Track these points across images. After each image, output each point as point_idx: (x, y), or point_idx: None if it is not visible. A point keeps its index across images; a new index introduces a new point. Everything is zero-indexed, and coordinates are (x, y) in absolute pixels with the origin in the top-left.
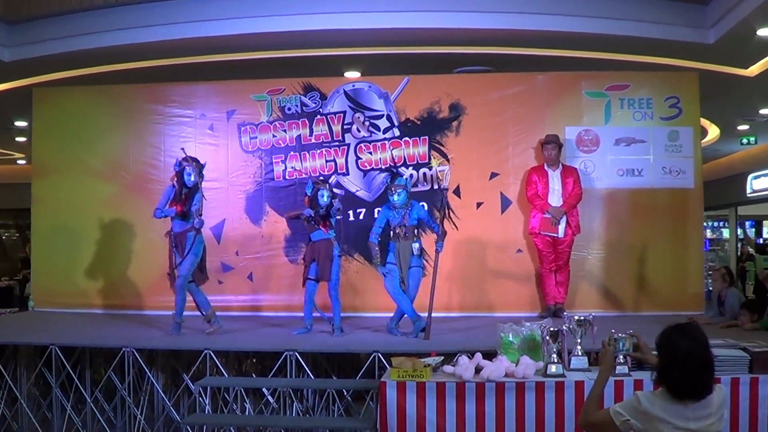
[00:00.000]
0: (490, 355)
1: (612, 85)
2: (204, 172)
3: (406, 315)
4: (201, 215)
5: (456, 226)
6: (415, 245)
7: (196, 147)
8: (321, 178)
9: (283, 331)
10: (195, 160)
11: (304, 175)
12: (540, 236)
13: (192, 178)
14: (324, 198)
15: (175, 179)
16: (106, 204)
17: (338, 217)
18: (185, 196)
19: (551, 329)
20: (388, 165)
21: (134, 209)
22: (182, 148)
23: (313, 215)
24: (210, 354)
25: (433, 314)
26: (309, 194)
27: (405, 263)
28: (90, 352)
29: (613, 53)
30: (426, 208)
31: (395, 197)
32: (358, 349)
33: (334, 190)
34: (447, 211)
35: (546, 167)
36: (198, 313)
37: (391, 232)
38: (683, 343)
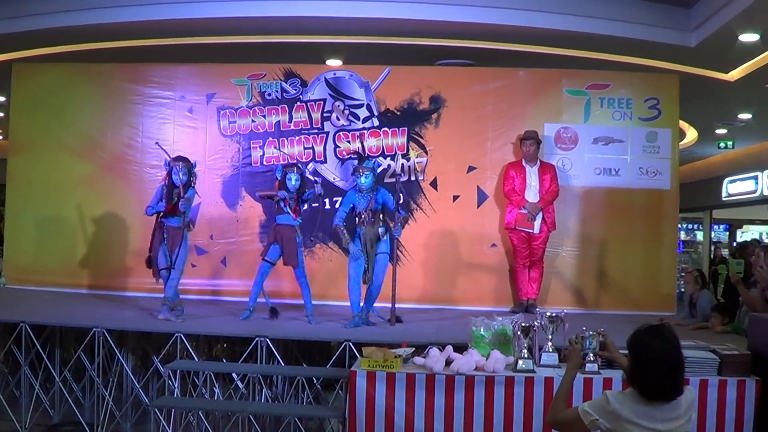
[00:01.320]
0: (461, 348)
1: (593, 83)
2: (195, 171)
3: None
4: (192, 222)
5: (428, 217)
6: (381, 230)
7: (175, 129)
8: (292, 162)
9: (254, 316)
10: (184, 159)
11: (282, 161)
12: (515, 231)
13: (180, 177)
14: (292, 181)
15: (166, 179)
16: (82, 183)
17: (314, 204)
18: (177, 195)
19: (523, 325)
20: (366, 154)
21: (110, 189)
22: (156, 142)
23: (286, 197)
24: (180, 337)
25: (405, 305)
26: (279, 178)
27: (371, 249)
28: (60, 331)
29: (595, 52)
30: (402, 199)
31: (362, 179)
32: (330, 337)
33: (311, 176)
34: (403, 197)
35: (524, 163)
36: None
37: (357, 218)
38: (656, 345)
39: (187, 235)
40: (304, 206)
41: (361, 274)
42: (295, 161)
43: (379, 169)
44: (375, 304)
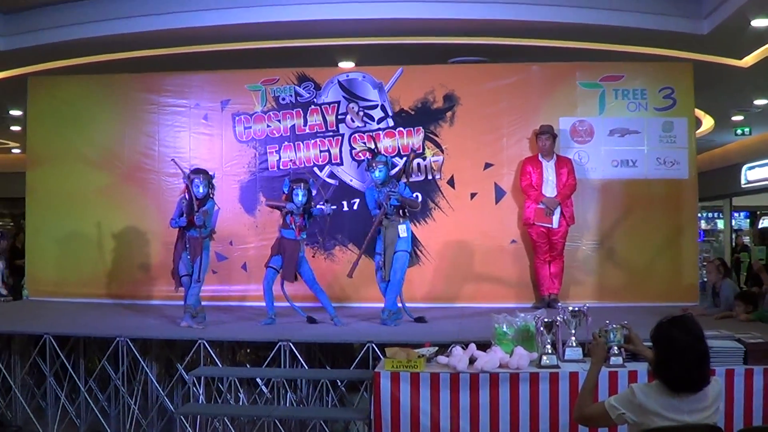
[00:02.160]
0: (484, 346)
1: (606, 75)
2: (214, 182)
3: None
4: (211, 229)
5: (447, 215)
6: (402, 227)
7: (191, 136)
8: (297, 176)
9: (277, 321)
10: (203, 172)
11: (298, 165)
12: (534, 227)
13: (200, 190)
14: (299, 197)
15: (186, 192)
16: (100, 193)
17: (333, 207)
18: (197, 206)
19: (545, 320)
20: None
21: (129, 199)
22: (173, 159)
23: (294, 211)
24: (204, 344)
25: (426, 305)
26: (285, 192)
27: (390, 245)
28: (84, 342)
29: (608, 44)
30: (420, 198)
31: (376, 173)
32: (352, 339)
33: (329, 179)
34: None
35: (540, 158)
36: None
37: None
38: (679, 337)
39: (209, 244)
40: (309, 221)
41: (378, 272)
42: (303, 174)
43: (395, 170)
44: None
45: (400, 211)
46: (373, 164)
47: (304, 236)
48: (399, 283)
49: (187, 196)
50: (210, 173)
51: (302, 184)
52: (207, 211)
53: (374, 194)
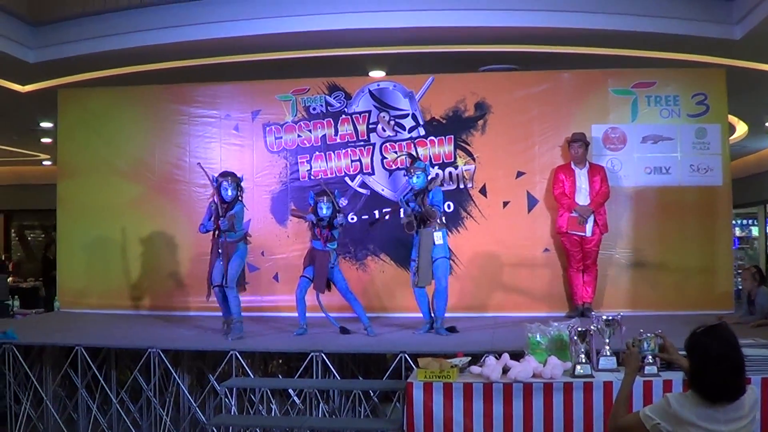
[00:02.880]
0: (517, 356)
1: (638, 82)
2: (243, 185)
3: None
4: (244, 233)
5: (479, 224)
6: (437, 234)
7: (221, 147)
8: (323, 187)
9: (309, 331)
10: (231, 174)
11: (329, 175)
12: (567, 235)
13: (229, 193)
14: (323, 210)
15: (215, 195)
16: (131, 204)
17: (364, 216)
18: (224, 211)
19: (579, 329)
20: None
21: (159, 209)
22: (198, 163)
23: (315, 222)
24: (236, 355)
25: (459, 314)
26: (311, 204)
27: (426, 252)
28: (115, 353)
29: (640, 50)
30: (452, 207)
31: (414, 179)
32: (385, 349)
33: (360, 189)
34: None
35: (573, 165)
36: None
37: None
38: (714, 346)
39: (243, 249)
40: (334, 231)
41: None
42: (321, 186)
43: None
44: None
45: (436, 219)
46: (412, 170)
47: (334, 246)
48: (445, 291)
49: (215, 200)
50: (238, 176)
51: (324, 198)
52: (234, 215)
53: (412, 205)
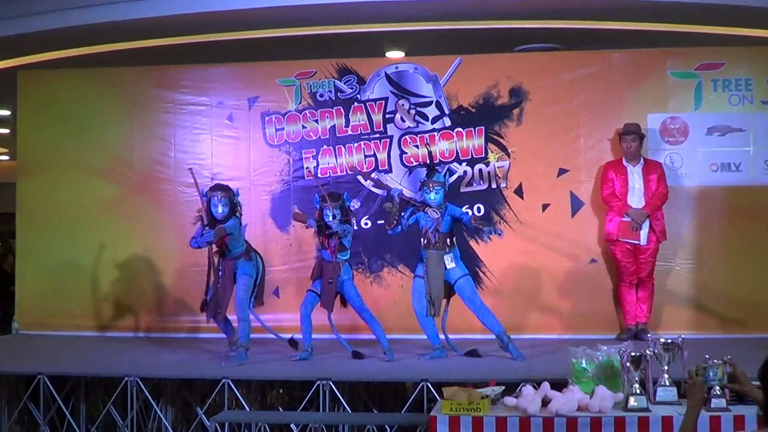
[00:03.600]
0: (559, 385)
1: (703, 63)
2: (239, 200)
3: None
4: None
5: (514, 230)
6: (448, 257)
7: (213, 140)
8: (321, 190)
9: (315, 355)
10: (223, 188)
11: (339, 173)
12: (618, 244)
13: (219, 210)
14: (329, 217)
15: (203, 212)
16: (105, 208)
17: (379, 222)
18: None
19: (632, 354)
20: (437, 160)
21: (140, 213)
22: (190, 168)
23: (315, 228)
24: (228, 383)
25: (489, 336)
26: (318, 208)
27: (435, 278)
28: (85, 382)
29: (705, 26)
30: (483, 211)
31: (432, 195)
32: (404, 377)
33: (376, 189)
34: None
35: (625, 162)
36: (219, 335)
37: (422, 238)
38: None
39: (246, 265)
40: (346, 240)
41: (426, 305)
42: (328, 188)
43: (453, 177)
44: (450, 336)
45: (448, 240)
46: (429, 185)
47: (345, 257)
48: (484, 306)
49: (204, 218)
50: (233, 190)
51: (330, 204)
52: (223, 228)
53: (418, 214)
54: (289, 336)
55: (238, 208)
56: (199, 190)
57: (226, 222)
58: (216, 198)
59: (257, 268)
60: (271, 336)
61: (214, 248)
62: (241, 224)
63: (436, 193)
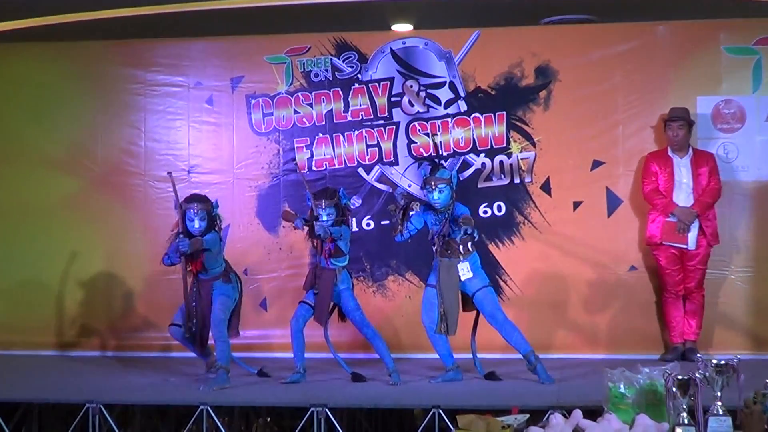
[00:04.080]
0: (593, 413)
1: (763, 37)
2: (219, 212)
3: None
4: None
5: (540, 232)
6: (462, 265)
7: (190, 128)
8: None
9: (307, 377)
10: (199, 199)
11: (337, 165)
12: (662, 248)
13: (195, 225)
14: (323, 218)
15: (178, 226)
16: (65, 205)
17: (384, 222)
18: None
19: (679, 378)
20: (451, 150)
21: (104, 212)
22: (168, 173)
23: (302, 229)
24: (207, 410)
25: (510, 355)
26: (310, 205)
27: (447, 290)
28: (39, 410)
29: None
30: (503, 209)
31: (435, 195)
32: (412, 402)
33: (352, 201)
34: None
35: (670, 153)
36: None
37: (432, 245)
38: None
39: (225, 287)
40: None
41: (437, 320)
42: (324, 183)
43: (470, 171)
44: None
45: (461, 246)
46: (432, 182)
47: (342, 263)
48: (508, 320)
49: (180, 231)
50: (212, 201)
51: (323, 203)
52: (201, 241)
53: (426, 217)
54: (255, 369)
55: (218, 221)
56: (177, 200)
57: (206, 236)
58: (192, 211)
59: (237, 291)
60: (259, 355)
61: (189, 266)
62: (221, 240)
63: (440, 192)
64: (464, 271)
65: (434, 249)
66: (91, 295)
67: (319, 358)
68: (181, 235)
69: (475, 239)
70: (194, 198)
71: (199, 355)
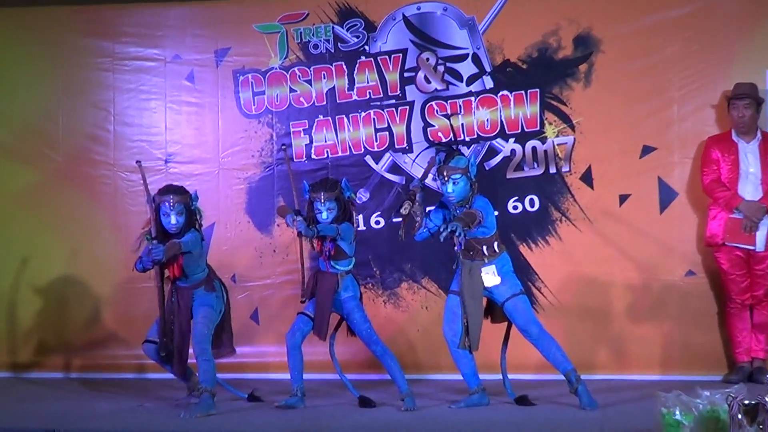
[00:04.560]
0: None
1: None
2: (199, 206)
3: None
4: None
5: (580, 231)
6: (487, 269)
7: (167, 109)
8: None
9: (306, 403)
10: (176, 191)
11: (341, 153)
12: (725, 249)
13: (172, 221)
14: (323, 214)
15: (151, 223)
16: (19, 201)
17: (396, 219)
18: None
19: (746, 402)
20: (475, 135)
21: (68, 209)
22: (138, 161)
23: (293, 226)
24: None
25: (544, 376)
26: (307, 198)
27: (471, 296)
28: None
29: None
30: (537, 204)
31: (449, 186)
32: None
33: (359, 195)
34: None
35: (735, 137)
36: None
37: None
38: None
39: (207, 296)
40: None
41: (460, 333)
42: (325, 173)
43: (498, 158)
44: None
45: (485, 246)
46: (445, 172)
47: (346, 267)
48: (545, 335)
49: (152, 229)
50: (190, 193)
51: (322, 195)
52: (178, 244)
53: (445, 212)
54: (244, 393)
55: (197, 217)
56: (148, 194)
57: (183, 237)
58: (167, 204)
59: (222, 301)
60: (248, 376)
61: (166, 272)
62: (202, 239)
63: (454, 183)
64: (489, 275)
65: (455, 249)
66: (51, 306)
67: (321, 379)
68: (154, 241)
69: (460, 238)
70: (169, 189)
71: (178, 376)
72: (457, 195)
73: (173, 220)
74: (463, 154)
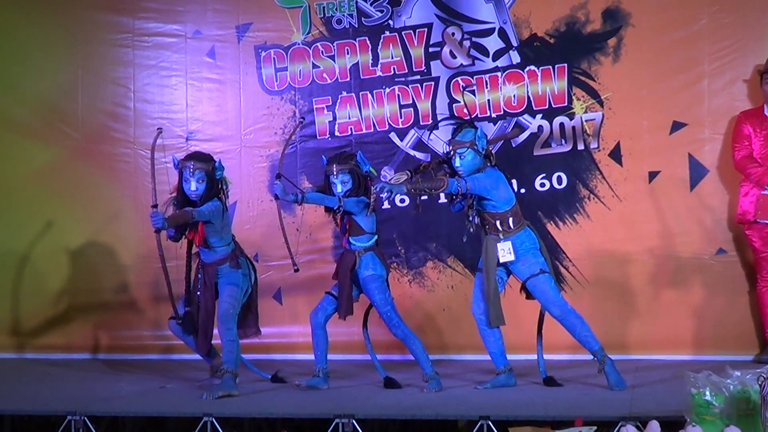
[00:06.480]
0: (672, 425)
1: None
2: (226, 176)
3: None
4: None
5: (609, 209)
6: (503, 245)
7: (188, 86)
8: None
9: (330, 384)
10: (199, 157)
11: (364, 130)
12: (756, 227)
13: (192, 187)
14: (338, 188)
15: (175, 190)
16: (40, 178)
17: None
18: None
19: None
20: (501, 111)
21: (87, 187)
22: (159, 128)
23: (286, 199)
24: (212, 423)
25: (573, 356)
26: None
27: (489, 273)
28: (13, 422)
29: None
30: (564, 182)
31: (457, 160)
32: (455, 413)
33: (383, 172)
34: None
35: (767, 112)
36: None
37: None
38: None
39: (233, 273)
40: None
41: (486, 310)
42: (347, 150)
43: (525, 134)
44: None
45: (498, 221)
46: (453, 146)
47: (365, 243)
48: (572, 313)
49: (177, 195)
50: (215, 160)
51: (334, 167)
52: (189, 213)
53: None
54: (268, 374)
55: (223, 186)
56: (152, 159)
57: (203, 205)
58: (188, 170)
59: (249, 279)
60: (271, 356)
61: (188, 237)
62: (225, 209)
63: (461, 157)
64: (504, 251)
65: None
66: (72, 286)
67: (346, 360)
68: (154, 208)
69: (389, 197)
70: (191, 155)
71: (202, 354)
72: (465, 168)
73: (193, 186)
74: (475, 127)
